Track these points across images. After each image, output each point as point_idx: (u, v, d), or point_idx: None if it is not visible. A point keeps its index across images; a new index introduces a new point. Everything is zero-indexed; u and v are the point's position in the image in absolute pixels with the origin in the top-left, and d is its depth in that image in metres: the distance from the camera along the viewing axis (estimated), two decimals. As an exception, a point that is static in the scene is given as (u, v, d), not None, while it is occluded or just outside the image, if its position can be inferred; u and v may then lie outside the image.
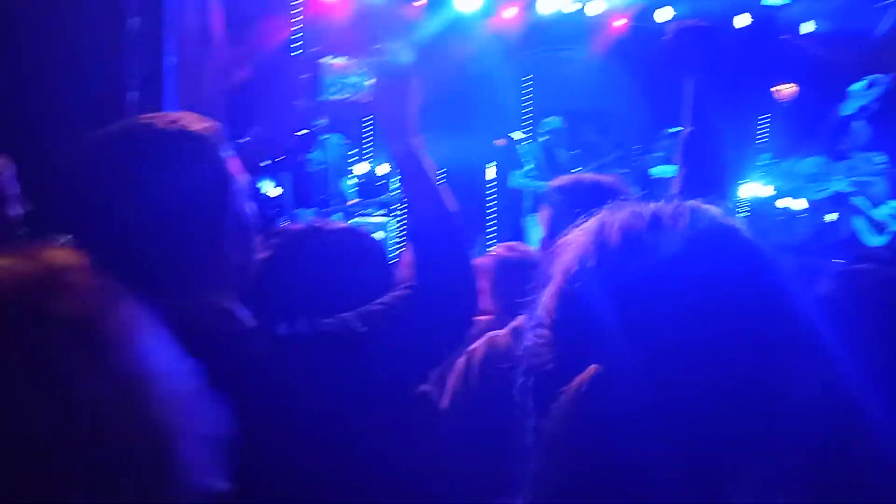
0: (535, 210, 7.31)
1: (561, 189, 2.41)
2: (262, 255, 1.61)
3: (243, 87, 6.49)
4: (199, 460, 0.73)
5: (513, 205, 8.40)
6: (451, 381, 2.12)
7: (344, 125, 7.90)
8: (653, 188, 7.73)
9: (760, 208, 8.21)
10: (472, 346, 2.13)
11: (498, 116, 8.66)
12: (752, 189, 8.33)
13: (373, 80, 1.68)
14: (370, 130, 8.55)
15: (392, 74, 1.64)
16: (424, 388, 1.61)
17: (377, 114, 1.69)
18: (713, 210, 0.87)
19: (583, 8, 8.75)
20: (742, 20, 8.83)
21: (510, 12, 8.69)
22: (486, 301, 2.57)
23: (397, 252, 7.65)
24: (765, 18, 8.90)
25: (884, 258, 1.23)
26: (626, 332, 0.78)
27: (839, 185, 6.93)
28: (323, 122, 7.20)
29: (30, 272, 0.74)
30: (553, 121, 8.54)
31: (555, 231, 2.13)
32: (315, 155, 7.13)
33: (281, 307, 1.56)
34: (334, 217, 7.13)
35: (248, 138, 6.33)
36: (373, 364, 1.43)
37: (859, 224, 6.73)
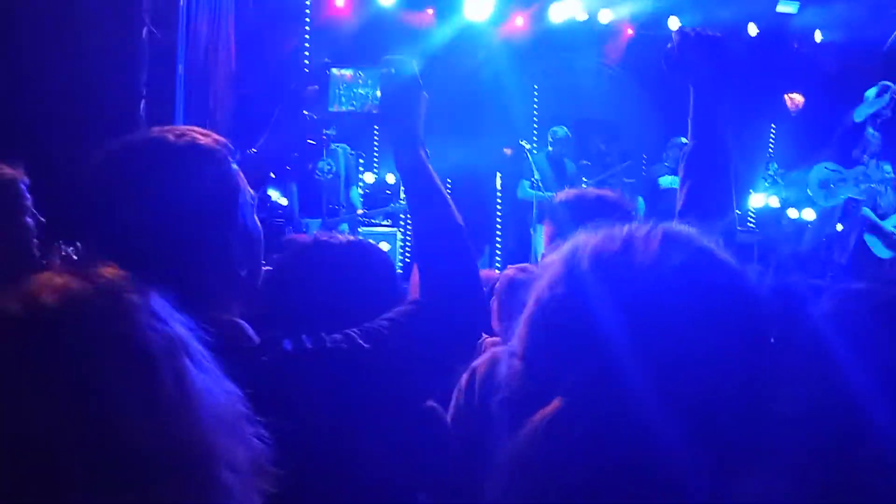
0: (540, 221, 7.30)
1: (563, 204, 2.38)
2: (268, 268, 1.62)
3: (252, 97, 6.52)
4: (237, 485, 0.73)
5: (520, 214, 8.39)
6: (456, 396, 2.12)
7: (353, 135, 7.92)
8: (661, 199, 7.71)
9: (768, 219, 8.19)
10: (477, 361, 2.12)
11: (506, 125, 8.66)
12: (760, 199, 8.31)
13: (379, 92, 1.68)
14: (379, 140, 8.58)
15: (399, 86, 1.65)
16: (430, 403, 1.60)
17: (384, 126, 1.69)
18: (687, 232, 0.85)
19: (593, 16, 8.75)
20: (754, 28, 8.81)
21: (520, 20, 8.70)
22: (494, 322, 2.57)
23: (404, 263, 7.66)
24: (777, 26, 8.87)
25: (886, 276, 1.22)
26: (594, 363, 0.76)
27: (851, 191, 6.88)
28: (331, 132, 7.22)
29: (84, 292, 0.74)
30: (560, 130, 8.52)
31: (557, 247, 2.11)
32: (324, 164, 7.15)
33: (287, 321, 1.56)
34: (342, 226, 7.15)
35: (255, 149, 6.34)
36: (378, 380, 1.42)
37: (870, 237, 6.69)
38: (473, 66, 8.32)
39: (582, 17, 8.71)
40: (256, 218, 1.51)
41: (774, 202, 8.18)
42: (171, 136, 1.45)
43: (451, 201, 1.59)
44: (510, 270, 2.92)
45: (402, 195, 7.49)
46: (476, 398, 2.05)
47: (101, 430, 0.69)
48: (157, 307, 0.77)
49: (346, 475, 1.39)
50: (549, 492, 0.76)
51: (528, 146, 8.20)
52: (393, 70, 1.67)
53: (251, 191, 1.53)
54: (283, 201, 6.66)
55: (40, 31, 4.57)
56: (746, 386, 0.77)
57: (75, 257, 2.36)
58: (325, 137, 7.03)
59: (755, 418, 0.77)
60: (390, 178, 8.44)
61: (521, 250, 8.19)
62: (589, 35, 8.91)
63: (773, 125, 9.31)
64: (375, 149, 8.86)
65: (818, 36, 9.00)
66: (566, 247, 0.86)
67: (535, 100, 9.57)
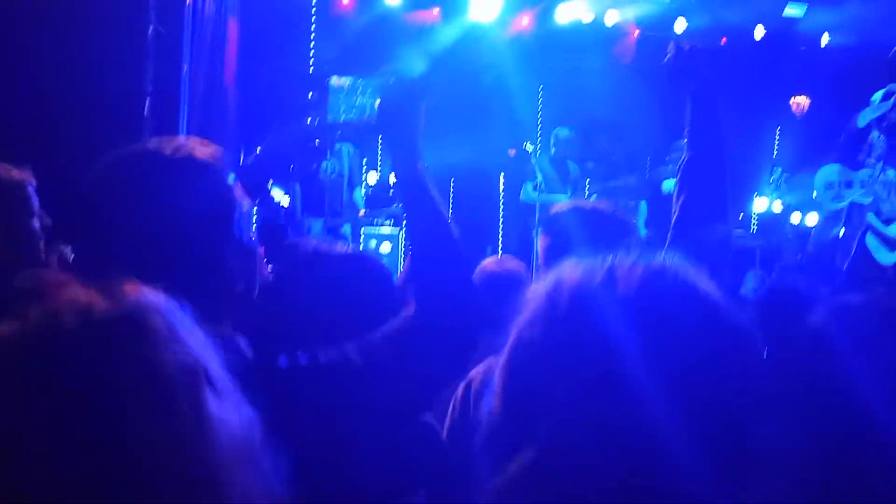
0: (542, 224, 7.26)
1: (559, 216, 2.36)
2: (265, 280, 1.62)
3: (257, 96, 6.52)
4: None
5: (523, 217, 8.36)
6: (451, 409, 2.12)
7: (356, 137, 7.91)
8: (664, 203, 7.69)
9: (771, 223, 8.16)
10: (472, 372, 2.13)
11: (511, 125, 8.64)
12: (763, 203, 8.29)
13: (378, 102, 1.68)
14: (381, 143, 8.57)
15: (398, 99, 1.65)
16: (426, 419, 1.60)
17: (383, 136, 1.70)
18: (670, 267, 0.84)
19: (599, 18, 8.72)
20: (761, 31, 8.79)
21: (526, 21, 8.68)
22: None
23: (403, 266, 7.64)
24: (784, 29, 8.84)
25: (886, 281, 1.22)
26: (570, 409, 0.76)
27: (856, 194, 6.85)
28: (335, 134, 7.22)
29: (107, 314, 0.74)
30: (563, 132, 8.48)
31: (552, 260, 2.11)
32: (327, 164, 7.14)
33: (286, 333, 1.56)
34: (344, 227, 7.15)
35: (258, 151, 6.36)
36: (373, 395, 1.43)
37: (871, 241, 6.66)
38: (478, 66, 8.30)
39: (588, 18, 8.68)
40: (253, 232, 1.52)
41: (777, 207, 8.15)
42: (167, 150, 1.45)
43: (447, 215, 1.59)
44: (487, 262, 2.93)
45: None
46: (471, 410, 2.06)
47: (113, 459, 0.68)
48: (180, 327, 0.76)
49: (341, 491, 1.39)
50: None
51: (531, 148, 8.18)
52: (392, 80, 1.67)
53: (248, 202, 1.53)
54: (286, 202, 6.66)
55: (46, 30, 4.59)
56: (730, 426, 0.77)
57: (70, 260, 2.37)
58: (328, 138, 7.03)
59: (739, 457, 0.77)
60: (393, 179, 8.43)
61: (523, 252, 8.19)
62: (595, 36, 8.88)
63: (778, 128, 9.28)
64: (379, 149, 8.85)
65: (825, 39, 8.97)
66: (549, 280, 0.86)
67: (540, 100, 9.55)
